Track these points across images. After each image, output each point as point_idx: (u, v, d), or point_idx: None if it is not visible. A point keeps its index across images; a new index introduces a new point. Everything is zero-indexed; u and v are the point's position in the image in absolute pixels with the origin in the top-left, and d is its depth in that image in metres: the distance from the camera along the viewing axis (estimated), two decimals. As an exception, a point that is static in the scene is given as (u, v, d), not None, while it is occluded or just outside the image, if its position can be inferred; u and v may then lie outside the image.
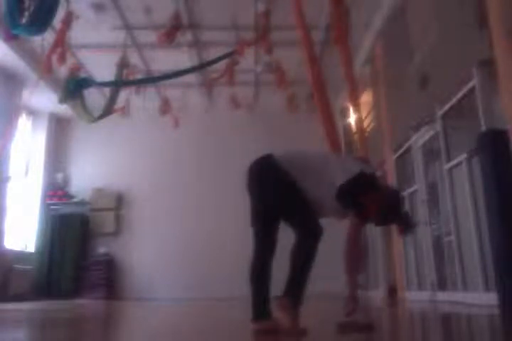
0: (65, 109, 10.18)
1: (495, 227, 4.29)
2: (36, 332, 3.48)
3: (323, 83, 4.87)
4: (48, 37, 6.98)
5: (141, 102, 9.95)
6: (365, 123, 9.93)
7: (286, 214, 2.76)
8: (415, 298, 7.01)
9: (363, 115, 10.05)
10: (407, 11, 7.32)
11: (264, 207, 2.76)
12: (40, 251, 10.80)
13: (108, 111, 8.61)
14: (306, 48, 4.92)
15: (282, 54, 8.60)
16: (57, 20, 6.30)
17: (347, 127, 10.53)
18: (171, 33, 7.35)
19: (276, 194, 2.72)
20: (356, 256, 2.83)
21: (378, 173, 8.85)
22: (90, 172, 11.80)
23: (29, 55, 8.97)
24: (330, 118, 4.71)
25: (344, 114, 10.75)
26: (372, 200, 2.67)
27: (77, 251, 11.07)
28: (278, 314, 2.61)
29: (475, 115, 5.16)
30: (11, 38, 6.27)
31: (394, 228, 2.78)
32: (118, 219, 11.63)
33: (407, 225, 2.80)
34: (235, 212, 8.16)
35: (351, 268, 2.79)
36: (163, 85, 10.24)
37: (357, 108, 5.43)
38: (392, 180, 8.03)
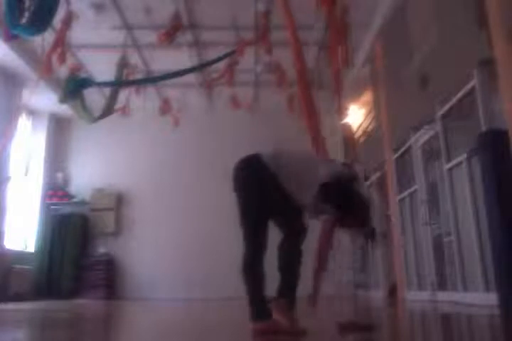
0: (65, 109, 10.20)
1: (495, 227, 4.29)
2: (36, 332, 3.48)
3: (308, 83, 4.88)
4: (48, 37, 6.98)
5: (141, 102, 9.95)
6: (363, 124, 9.94)
7: (273, 214, 2.78)
8: (415, 298, 7.01)
9: (360, 116, 10.08)
10: (407, 11, 7.31)
11: (252, 209, 2.78)
12: (40, 251, 10.80)
13: (108, 111, 8.61)
14: (294, 44, 4.93)
15: (282, 54, 8.59)
16: (57, 20, 6.30)
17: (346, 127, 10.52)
18: (171, 33, 7.35)
19: (263, 197, 2.73)
20: (326, 256, 2.81)
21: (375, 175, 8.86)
22: (90, 172, 11.80)
23: (29, 55, 8.97)
24: (314, 120, 4.71)
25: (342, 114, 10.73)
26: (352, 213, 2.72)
27: (77, 251, 11.07)
28: (275, 316, 2.61)
29: (475, 115, 5.16)
30: (11, 38, 6.26)
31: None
32: (118, 219, 11.63)
33: (371, 236, 2.86)
34: (235, 211, 8.15)
35: (320, 266, 2.77)
36: (163, 85, 10.23)
37: (343, 110, 5.42)
38: (392, 180, 8.03)
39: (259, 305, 2.65)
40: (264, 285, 2.70)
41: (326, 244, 2.76)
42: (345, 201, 2.69)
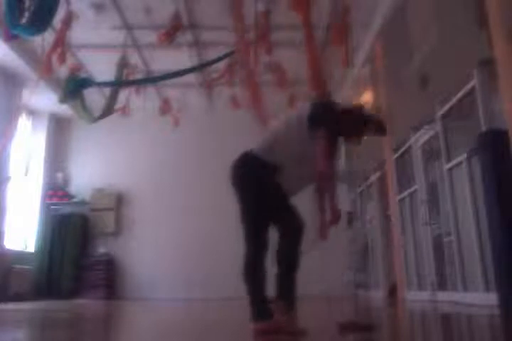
0: (65, 109, 10.20)
1: (495, 227, 4.29)
2: (36, 332, 3.48)
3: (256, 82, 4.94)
4: (48, 37, 6.97)
5: (141, 102, 9.95)
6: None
7: (270, 214, 2.78)
8: (415, 298, 7.01)
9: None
10: (407, 10, 7.31)
11: (251, 208, 2.78)
12: (40, 251, 10.80)
13: (108, 111, 8.61)
14: None
15: (282, 54, 8.60)
16: (57, 20, 6.30)
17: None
18: (171, 33, 7.35)
19: (261, 195, 2.74)
20: (331, 172, 2.78)
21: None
22: (90, 172, 11.79)
23: (29, 55, 8.97)
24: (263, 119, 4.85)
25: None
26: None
27: (77, 251, 11.06)
28: (276, 316, 2.61)
29: (475, 115, 5.16)
30: (11, 38, 6.26)
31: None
32: (118, 219, 11.62)
33: (379, 127, 2.94)
34: (235, 211, 8.15)
35: (330, 182, 2.79)
36: (163, 85, 10.23)
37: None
38: (392, 180, 8.03)
39: (260, 305, 2.65)
40: (265, 285, 2.70)
41: (326, 160, 2.67)
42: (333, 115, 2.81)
